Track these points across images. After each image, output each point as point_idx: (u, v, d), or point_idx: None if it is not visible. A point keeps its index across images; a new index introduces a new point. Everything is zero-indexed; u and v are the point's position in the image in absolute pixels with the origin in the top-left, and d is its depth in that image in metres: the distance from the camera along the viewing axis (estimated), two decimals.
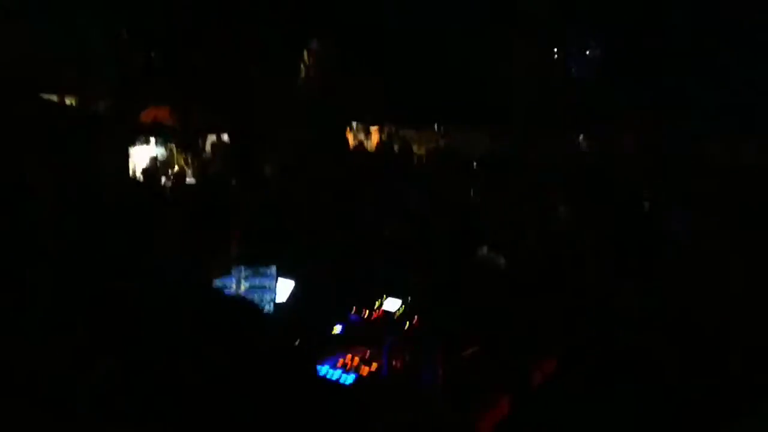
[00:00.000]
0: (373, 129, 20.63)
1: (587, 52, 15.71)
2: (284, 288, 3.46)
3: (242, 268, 3.27)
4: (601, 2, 16.47)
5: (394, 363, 2.83)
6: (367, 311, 3.22)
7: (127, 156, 12.49)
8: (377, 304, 3.24)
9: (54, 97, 13.08)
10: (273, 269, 3.28)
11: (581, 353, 3.21)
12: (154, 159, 13.51)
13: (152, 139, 14.40)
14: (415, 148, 19.59)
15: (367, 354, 2.89)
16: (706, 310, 3.78)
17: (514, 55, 18.03)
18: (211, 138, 15.00)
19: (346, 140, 19.09)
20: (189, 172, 12.86)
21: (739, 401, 2.92)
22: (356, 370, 2.79)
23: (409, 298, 3.32)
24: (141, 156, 14.17)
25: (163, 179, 11.45)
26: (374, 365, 2.81)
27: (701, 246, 5.16)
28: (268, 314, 3.25)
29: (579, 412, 2.99)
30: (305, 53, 11.46)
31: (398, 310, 3.17)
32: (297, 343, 2.98)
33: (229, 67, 11.00)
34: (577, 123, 20.04)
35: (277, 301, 3.38)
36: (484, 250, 4.79)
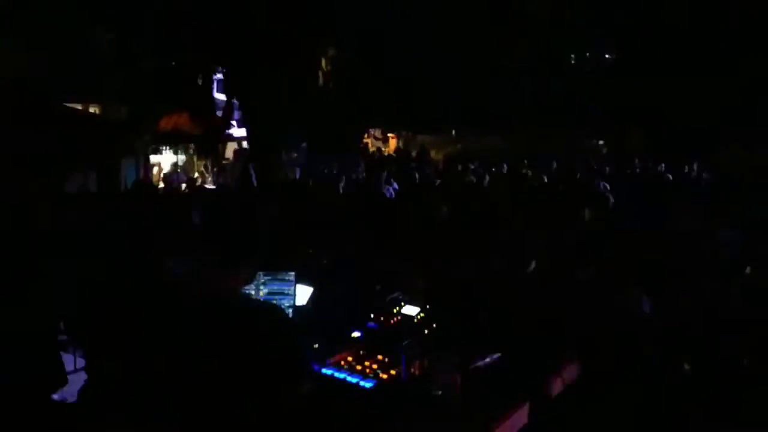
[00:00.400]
0: (391, 135, 20.72)
1: (595, 55, 15.60)
2: (303, 294, 3.47)
3: (261, 273, 3.30)
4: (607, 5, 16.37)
5: (412, 369, 2.82)
6: (386, 317, 3.22)
7: (147, 162, 12.65)
8: (396, 310, 3.24)
9: (78, 106, 13.32)
10: (292, 275, 3.30)
11: (602, 360, 3.17)
12: (174, 165, 13.68)
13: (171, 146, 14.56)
14: (432, 153, 19.62)
15: (386, 360, 2.89)
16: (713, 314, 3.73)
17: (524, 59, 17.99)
18: (233, 145, 15.15)
19: (366, 146, 19.19)
20: (209, 178, 13.00)
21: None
22: (375, 376, 2.78)
23: (428, 304, 3.32)
24: (161, 161, 14.36)
25: (183, 185, 11.56)
26: (393, 371, 2.81)
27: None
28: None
29: (600, 420, 2.95)
30: (323, 61, 11.51)
31: (417, 316, 3.17)
32: (315, 348, 3.00)
33: (248, 73, 11.08)
34: (589, 126, 20.00)
35: (296, 305, 3.40)
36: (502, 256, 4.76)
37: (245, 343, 2.09)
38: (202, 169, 13.87)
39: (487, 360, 2.97)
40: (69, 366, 3.98)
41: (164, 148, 14.55)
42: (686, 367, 3.21)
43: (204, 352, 2.09)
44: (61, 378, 3.50)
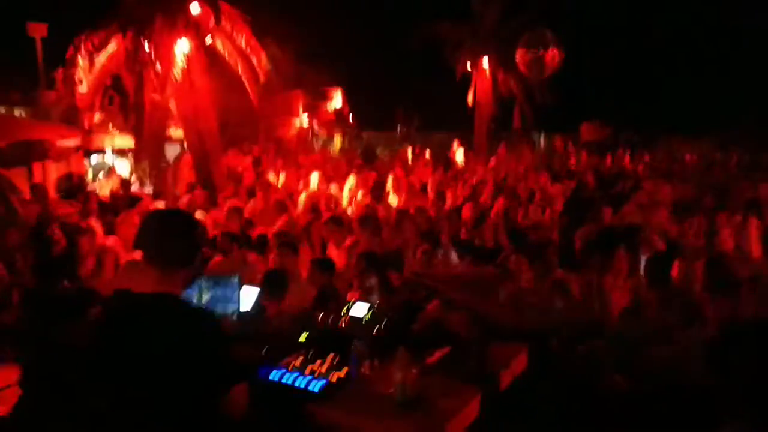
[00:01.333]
0: (336, 132, 20.54)
1: (548, 56, 15.93)
2: (248, 296, 3.38)
3: (203, 278, 3.19)
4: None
5: (362, 368, 2.79)
6: (334, 318, 3.17)
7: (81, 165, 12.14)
8: (344, 310, 3.19)
9: (2, 109, 12.64)
10: (235, 279, 3.20)
11: (549, 351, 3.22)
12: (110, 170, 13.15)
13: (108, 150, 14.01)
14: (378, 150, 19.61)
15: (336, 361, 2.84)
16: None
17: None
18: (173, 146, 14.69)
19: (311, 144, 18.99)
20: (147, 182, 12.55)
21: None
22: (325, 376, 2.74)
23: (377, 302, 3.29)
24: (97, 167, 13.81)
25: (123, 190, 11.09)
26: (343, 372, 2.77)
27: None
28: (232, 324, 3.18)
29: (548, 410, 3.00)
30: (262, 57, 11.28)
31: (366, 315, 3.13)
32: (264, 351, 2.93)
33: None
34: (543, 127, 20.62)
35: (242, 310, 3.30)
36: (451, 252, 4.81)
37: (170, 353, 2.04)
38: (140, 173, 13.36)
39: (438, 355, 2.97)
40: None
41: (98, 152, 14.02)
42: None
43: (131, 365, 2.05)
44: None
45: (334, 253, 5.79)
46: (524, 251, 4.88)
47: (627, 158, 13.28)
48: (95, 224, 6.38)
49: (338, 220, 6.31)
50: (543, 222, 7.22)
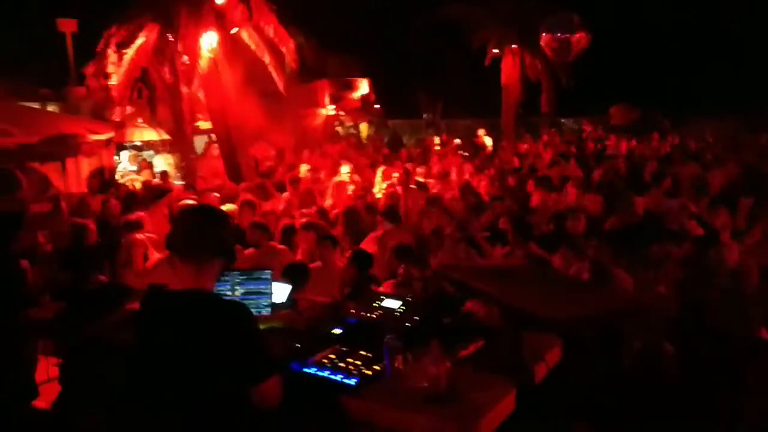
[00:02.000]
0: (362, 121, 20.51)
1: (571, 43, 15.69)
2: (281, 292, 3.39)
3: (236, 273, 3.21)
4: None
5: (396, 364, 2.77)
6: (366, 311, 3.15)
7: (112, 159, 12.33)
8: (376, 303, 3.17)
9: (36, 105, 12.88)
10: (268, 273, 3.21)
11: (585, 343, 3.16)
12: (143, 161, 13.32)
13: (138, 144, 14.18)
14: (405, 138, 19.55)
15: (369, 356, 2.83)
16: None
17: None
18: (202, 139, 14.81)
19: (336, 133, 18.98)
20: (179, 174, 12.68)
21: None
22: (358, 372, 2.72)
23: (409, 296, 3.26)
24: (128, 159, 14.00)
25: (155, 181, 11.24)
26: (376, 367, 2.75)
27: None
28: (265, 318, 3.19)
29: (584, 402, 2.95)
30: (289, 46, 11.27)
31: (398, 308, 3.10)
32: (297, 344, 2.93)
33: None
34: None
35: (275, 302, 3.31)
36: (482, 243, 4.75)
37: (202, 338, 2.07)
38: (173, 165, 13.48)
39: (472, 348, 2.94)
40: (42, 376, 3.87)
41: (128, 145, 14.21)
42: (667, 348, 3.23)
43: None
44: (32, 391, 3.41)
45: (369, 244, 5.76)
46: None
47: (656, 141, 13.00)
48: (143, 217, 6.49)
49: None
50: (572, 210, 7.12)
